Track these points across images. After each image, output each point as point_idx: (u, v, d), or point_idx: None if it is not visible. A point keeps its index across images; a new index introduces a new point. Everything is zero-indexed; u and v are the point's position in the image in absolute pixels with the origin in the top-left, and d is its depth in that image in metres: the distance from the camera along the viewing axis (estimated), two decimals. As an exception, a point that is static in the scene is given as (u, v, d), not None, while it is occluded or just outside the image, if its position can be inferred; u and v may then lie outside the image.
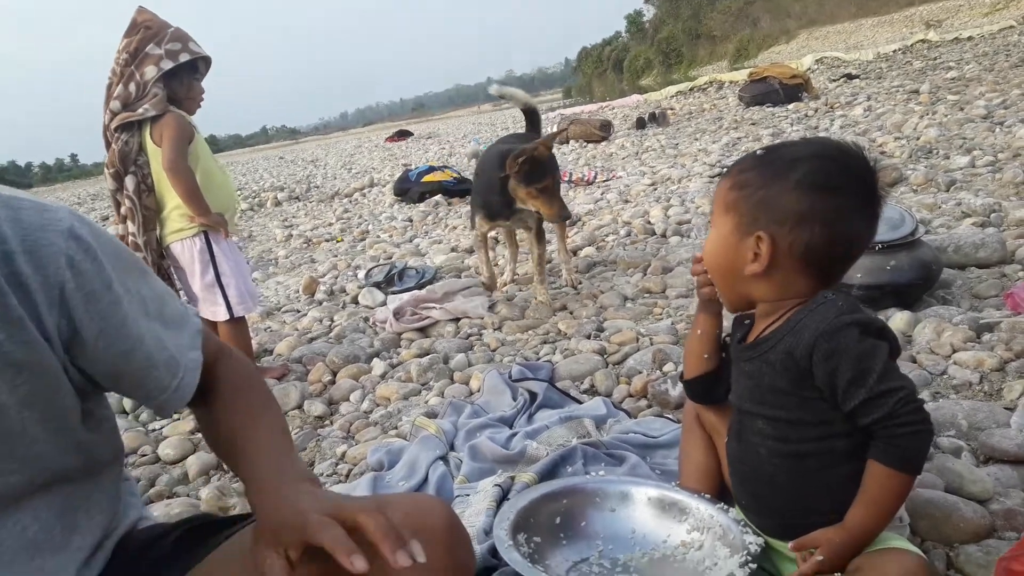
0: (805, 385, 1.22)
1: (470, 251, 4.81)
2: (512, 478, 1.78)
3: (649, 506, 1.54)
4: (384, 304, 3.71)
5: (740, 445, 1.36)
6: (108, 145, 2.76)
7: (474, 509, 1.66)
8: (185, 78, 2.77)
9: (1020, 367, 1.98)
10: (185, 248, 2.80)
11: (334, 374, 2.88)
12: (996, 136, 5.25)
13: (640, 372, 2.41)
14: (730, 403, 1.40)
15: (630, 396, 2.32)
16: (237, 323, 2.88)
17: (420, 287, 3.95)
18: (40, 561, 0.91)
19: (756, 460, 1.32)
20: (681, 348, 2.43)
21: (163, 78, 2.68)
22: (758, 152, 1.29)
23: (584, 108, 19.41)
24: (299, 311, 4.00)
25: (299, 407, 2.65)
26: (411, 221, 6.52)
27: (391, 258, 4.93)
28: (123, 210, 2.80)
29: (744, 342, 1.36)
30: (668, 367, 2.38)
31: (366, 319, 3.56)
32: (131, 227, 2.79)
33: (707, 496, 1.49)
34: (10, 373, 0.82)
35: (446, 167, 8.27)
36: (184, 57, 2.70)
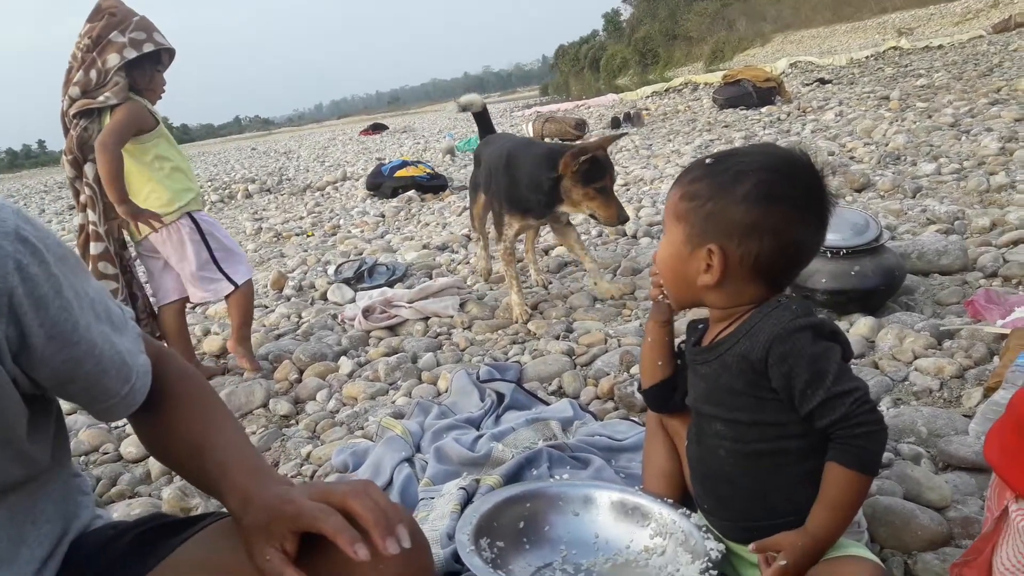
0: (760, 387, 1.23)
1: (441, 248, 4.79)
2: (477, 481, 1.77)
3: (612, 511, 1.54)
4: (353, 301, 3.68)
5: (699, 447, 1.37)
6: (66, 131, 2.72)
7: (438, 512, 1.65)
8: (148, 68, 2.72)
9: (979, 374, 2.01)
10: (171, 234, 2.76)
11: (300, 372, 2.85)
12: (962, 144, 5.34)
13: (608, 374, 2.41)
14: (688, 406, 1.42)
15: (597, 398, 2.32)
16: (247, 289, 2.91)
17: (390, 284, 3.93)
18: None
19: (715, 462, 1.33)
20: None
21: (125, 67, 2.63)
22: (707, 161, 1.29)
23: (560, 106, 19.46)
24: (267, 307, 3.96)
25: (264, 405, 2.62)
26: (383, 217, 6.48)
27: (361, 254, 4.90)
28: (83, 198, 2.75)
29: (699, 345, 1.37)
30: (635, 369, 2.39)
31: (335, 316, 3.53)
32: (91, 215, 2.74)
33: (669, 501, 1.50)
34: None
35: (420, 162, 8.22)
36: (148, 47, 2.66)
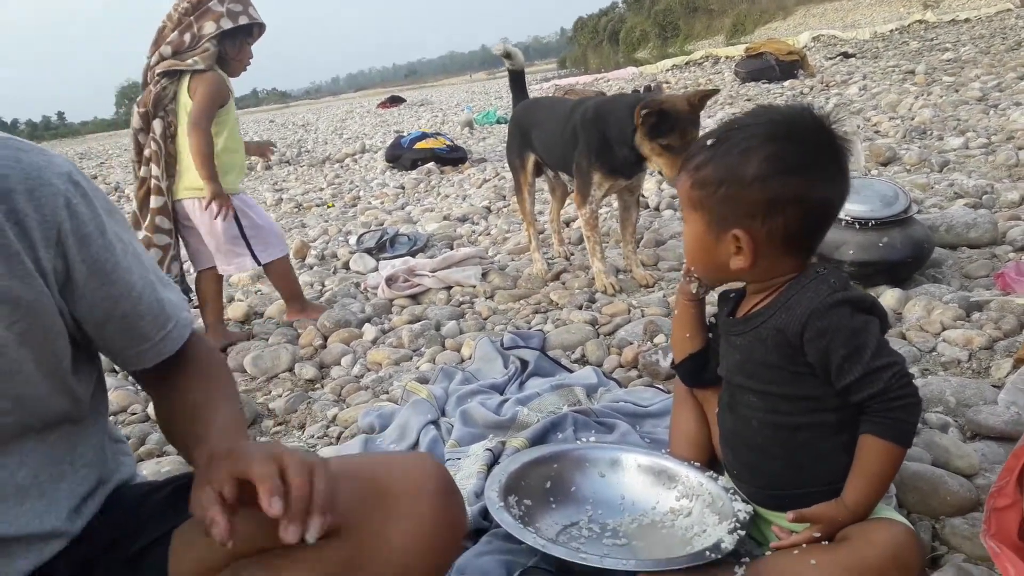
0: (796, 361, 1.23)
1: (462, 220, 4.79)
2: (503, 443, 1.79)
3: (639, 473, 1.55)
4: (376, 270, 3.70)
5: (732, 416, 1.37)
6: (145, 85, 2.81)
7: (465, 472, 1.67)
8: (239, 40, 2.82)
9: (1009, 346, 2.00)
10: (202, 204, 2.81)
11: (325, 338, 2.88)
12: (990, 118, 5.26)
13: (631, 343, 2.42)
14: (721, 377, 1.41)
15: (620, 366, 2.33)
16: (279, 267, 3.00)
17: (411, 254, 3.94)
18: (28, 506, 0.93)
19: (748, 432, 1.33)
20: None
21: (218, 36, 2.74)
22: (708, 143, 1.25)
23: (579, 79, 19.28)
24: (290, 275, 3.97)
25: (290, 369, 2.65)
26: (403, 188, 6.48)
27: (382, 224, 4.91)
28: (147, 152, 2.83)
29: (733, 315, 1.37)
30: (659, 338, 2.39)
31: (357, 284, 3.55)
32: (155, 170, 2.81)
33: (697, 464, 1.50)
34: (7, 309, 0.84)
35: (439, 134, 8.20)
36: (243, 20, 2.76)
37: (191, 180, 2.80)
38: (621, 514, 1.49)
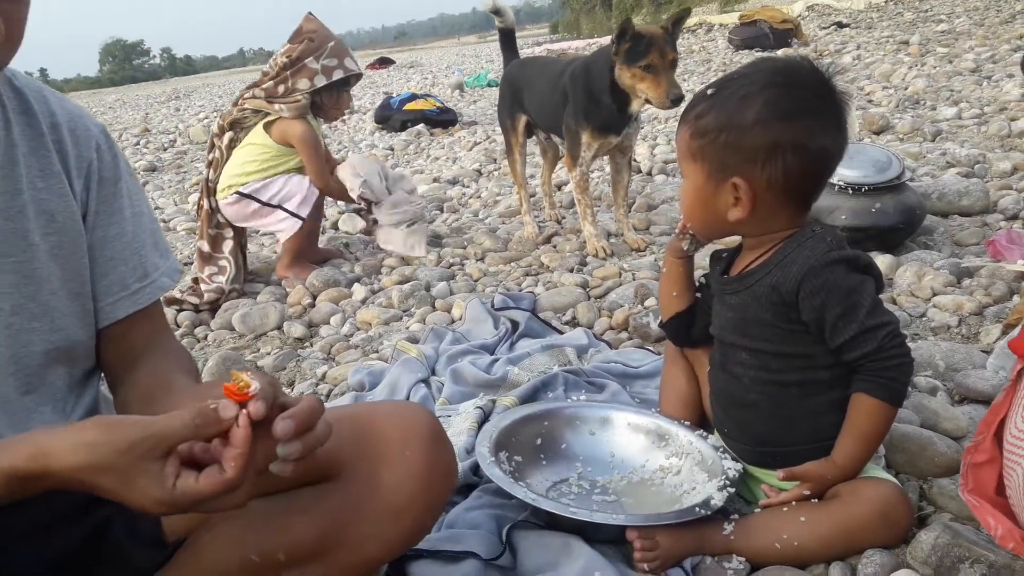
0: (790, 319, 1.23)
1: (452, 183, 4.75)
2: (493, 401, 1.79)
3: (629, 431, 1.56)
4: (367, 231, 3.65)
5: (723, 374, 1.37)
6: (235, 104, 3.12)
7: (455, 429, 1.67)
8: (336, 91, 3.05)
9: (998, 312, 2.01)
10: (229, 202, 3.03)
11: (314, 297, 2.86)
12: (983, 89, 5.24)
13: (622, 306, 2.41)
14: (712, 337, 1.41)
15: (611, 329, 2.32)
16: (311, 224, 3.14)
17: (401, 215, 3.90)
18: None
19: (739, 389, 1.33)
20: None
21: (318, 91, 2.98)
22: (708, 92, 1.25)
23: (571, 44, 19.07)
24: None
25: (278, 328, 2.63)
26: (392, 150, 6.42)
27: (372, 186, 4.85)
28: (211, 156, 3.11)
29: (726, 275, 1.36)
30: (650, 301, 2.39)
31: (346, 245, 3.52)
32: (211, 174, 3.09)
33: (687, 423, 1.51)
34: (44, 219, 0.93)
35: (429, 95, 8.11)
36: (338, 75, 2.99)
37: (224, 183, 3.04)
38: (611, 472, 1.49)
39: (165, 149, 8.41)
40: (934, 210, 2.83)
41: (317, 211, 3.18)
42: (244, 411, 0.72)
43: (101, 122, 1.05)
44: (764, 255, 1.28)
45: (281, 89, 2.97)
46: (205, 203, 3.10)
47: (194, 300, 2.88)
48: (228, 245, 3.06)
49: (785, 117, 1.18)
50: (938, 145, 3.95)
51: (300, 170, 3.06)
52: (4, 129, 0.90)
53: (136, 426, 0.71)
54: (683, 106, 1.39)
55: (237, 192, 3.00)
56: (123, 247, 1.02)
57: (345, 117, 9.34)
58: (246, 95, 3.07)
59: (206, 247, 3.06)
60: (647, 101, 2.74)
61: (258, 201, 3.00)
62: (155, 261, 1.07)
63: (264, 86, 3.01)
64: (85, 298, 0.99)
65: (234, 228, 3.09)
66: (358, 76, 3.12)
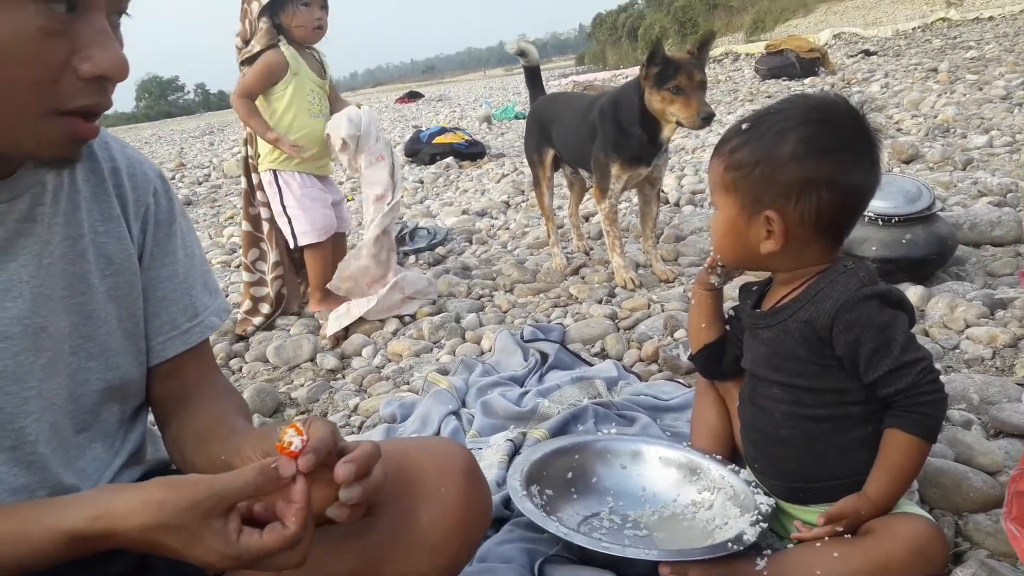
0: (824, 354, 1.23)
1: (481, 214, 4.80)
2: (524, 434, 1.80)
3: (660, 465, 1.56)
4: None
5: (754, 409, 1.37)
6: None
7: (486, 462, 1.68)
8: (288, 6, 2.79)
9: (1033, 344, 1.99)
10: (264, 178, 2.98)
11: (346, 329, 2.89)
12: (1015, 116, 5.20)
13: (651, 337, 2.42)
14: (743, 369, 1.42)
15: (641, 360, 2.33)
16: (312, 249, 3.00)
17: (431, 248, 3.95)
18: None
19: (770, 424, 1.33)
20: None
21: (266, 10, 2.75)
22: (743, 127, 1.26)
23: (597, 75, 19.24)
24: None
25: (311, 359, 2.67)
26: (422, 182, 6.50)
27: (402, 218, 4.92)
28: (245, 133, 3.03)
29: (758, 308, 1.37)
30: (679, 333, 2.39)
31: (377, 277, 3.56)
32: (250, 151, 3.01)
33: (718, 457, 1.51)
34: (103, 262, 0.97)
35: (458, 129, 8.22)
36: None
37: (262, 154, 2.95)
38: (642, 506, 1.49)
39: (200, 183, 8.60)
40: (966, 240, 2.81)
41: (338, 247, 3.14)
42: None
43: (158, 168, 1.09)
44: (796, 290, 1.28)
45: (247, 24, 2.84)
46: (244, 182, 3.08)
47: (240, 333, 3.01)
48: (271, 258, 3.05)
49: (820, 153, 1.19)
50: (969, 174, 3.92)
51: (322, 175, 3.05)
52: (69, 175, 0.94)
53: (200, 484, 0.74)
54: (713, 126, 1.43)
55: (272, 171, 2.95)
56: (175, 288, 1.06)
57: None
58: (239, 58, 2.93)
59: (247, 226, 3.08)
60: (678, 123, 2.76)
61: (279, 194, 2.95)
62: (205, 300, 1.10)
63: (237, 31, 2.89)
64: (139, 337, 1.02)
65: (286, 250, 3.08)
66: None
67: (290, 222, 2.96)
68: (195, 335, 1.07)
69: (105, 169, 0.99)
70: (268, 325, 3.06)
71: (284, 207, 2.96)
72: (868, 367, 1.17)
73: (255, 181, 3.03)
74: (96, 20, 0.76)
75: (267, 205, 3.02)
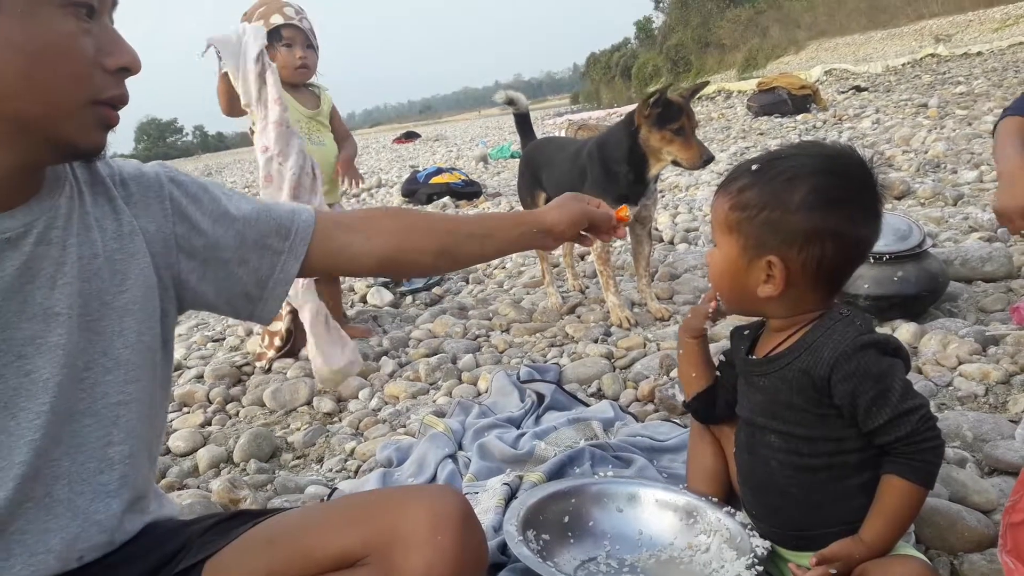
0: (821, 403, 1.23)
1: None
2: (520, 477, 1.80)
3: (657, 508, 1.56)
4: (396, 306, 3.71)
5: (750, 457, 1.37)
6: None
7: (483, 507, 1.68)
8: (271, 48, 2.84)
9: (1025, 380, 2.00)
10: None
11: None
12: (1004, 152, 5.26)
13: (647, 377, 2.43)
14: (733, 414, 1.42)
15: (637, 400, 2.34)
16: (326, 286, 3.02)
17: (428, 288, 3.98)
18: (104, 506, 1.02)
19: (767, 472, 1.33)
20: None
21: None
22: (753, 168, 1.26)
23: (592, 114, 19.46)
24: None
25: (308, 403, 2.67)
26: (419, 222, 6.53)
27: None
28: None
29: (751, 354, 1.37)
30: (675, 372, 2.40)
31: (375, 318, 3.58)
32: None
33: (715, 500, 1.51)
34: (118, 278, 1.01)
35: (454, 169, 8.30)
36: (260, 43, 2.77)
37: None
38: (639, 549, 1.49)
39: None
40: (957, 276, 2.84)
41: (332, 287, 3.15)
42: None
43: (157, 163, 1.15)
44: (792, 337, 1.28)
45: None
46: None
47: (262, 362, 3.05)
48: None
49: (830, 205, 1.19)
50: (960, 209, 3.97)
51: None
52: (78, 199, 0.99)
53: (581, 203, 1.41)
54: (712, 167, 1.50)
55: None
56: (257, 227, 1.15)
57: (372, 190, 9.57)
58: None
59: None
60: (674, 162, 2.87)
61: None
62: (279, 211, 1.19)
63: None
64: (155, 352, 1.07)
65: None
66: (286, 27, 2.93)
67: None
68: (299, 243, 1.17)
69: (112, 183, 1.04)
70: (268, 368, 3.06)
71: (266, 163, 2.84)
72: (867, 416, 1.17)
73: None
74: (107, 23, 0.92)
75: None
